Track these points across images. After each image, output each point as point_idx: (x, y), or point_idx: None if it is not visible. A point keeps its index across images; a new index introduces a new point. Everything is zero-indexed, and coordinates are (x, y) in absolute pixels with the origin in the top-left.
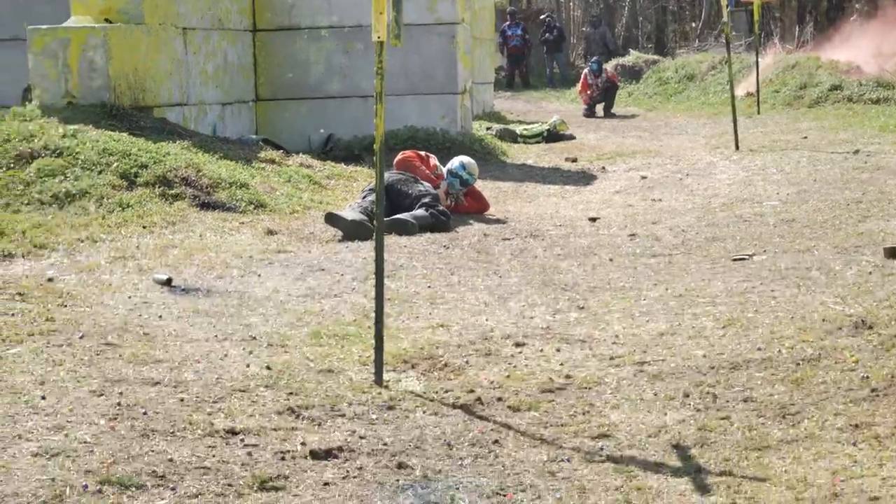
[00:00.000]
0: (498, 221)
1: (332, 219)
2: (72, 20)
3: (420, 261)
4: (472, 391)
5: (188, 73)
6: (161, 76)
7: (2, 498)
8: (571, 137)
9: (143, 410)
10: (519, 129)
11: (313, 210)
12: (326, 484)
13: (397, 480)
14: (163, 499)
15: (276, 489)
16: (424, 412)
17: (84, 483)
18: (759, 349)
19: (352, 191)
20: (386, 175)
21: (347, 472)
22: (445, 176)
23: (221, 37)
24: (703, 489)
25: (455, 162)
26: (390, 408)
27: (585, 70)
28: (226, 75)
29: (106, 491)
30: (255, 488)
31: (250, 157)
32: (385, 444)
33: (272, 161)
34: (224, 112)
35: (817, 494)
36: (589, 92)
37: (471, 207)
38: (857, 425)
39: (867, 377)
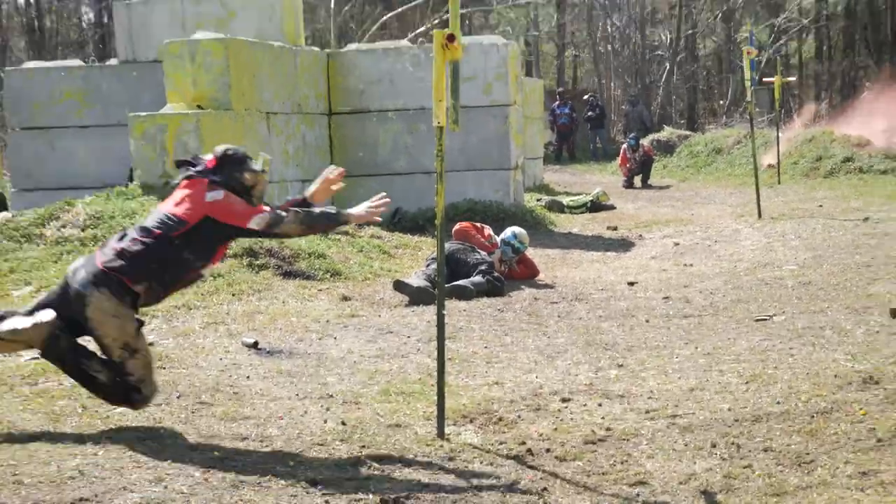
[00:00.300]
0: (546, 286)
1: (399, 286)
2: (168, 107)
3: (477, 323)
4: (523, 443)
5: (271, 153)
6: None
7: None
8: (612, 207)
9: (234, 463)
10: (565, 200)
11: (383, 277)
12: None
13: None
14: None
15: None
16: (481, 462)
17: None
18: (778, 403)
19: (417, 259)
20: (446, 245)
21: None
22: (499, 244)
23: (300, 120)
24: None
25: (508, 232)
26: (451, 459)
27: (624, 145)
28: (304, 155)
29: None
30: None
31: None
32: (446, 492)
33: (346, 233)
34: (304, 188)
35: None
36: (628, 165)
37: (522, 273)
38: (864, 472)
39: (874, 428)
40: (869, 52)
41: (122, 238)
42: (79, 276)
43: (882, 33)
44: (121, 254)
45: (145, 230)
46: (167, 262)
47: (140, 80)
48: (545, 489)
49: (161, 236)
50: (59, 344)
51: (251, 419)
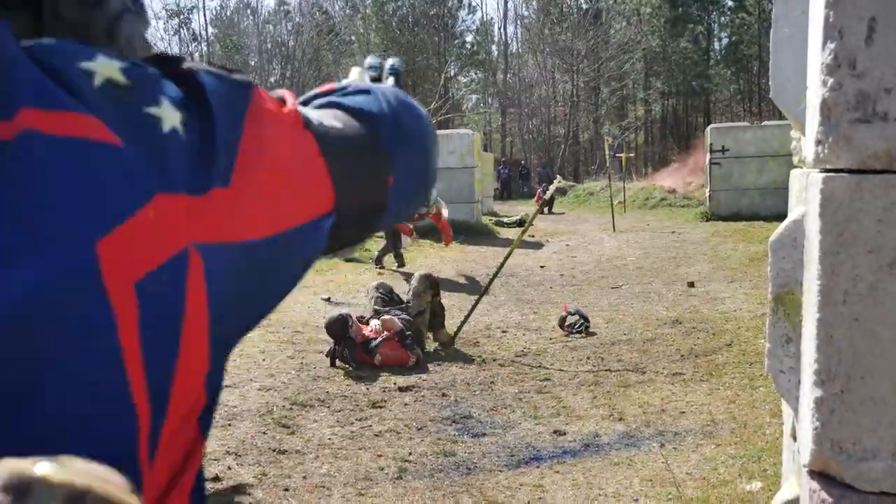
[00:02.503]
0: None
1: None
2: None
3: (456, 293)
4: (480, 355)
5: None
6: None
7: (240, 412)
8: (531, 224)
9: (314, 366)
10: (505, 219)
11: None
12: (406, 404)
13: (442, 402)
14: (322, 412)
15: (381, 407)
16: (457, 367)
17: (283, 404)
18: (624, 334)
19: (424, 254)
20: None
21: (417, 398)
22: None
23: None
24: (606, 406)
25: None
26: (438, 364)
27: (539, 189)
28: None
29: (294, 408)
30: (370, 406)
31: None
32: (436, 383)
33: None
34: None
35: (654, 409)
36: (539, 201)
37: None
38: (674, 374)
39: (678, 349)
40: (674, 141)
41: None
42: None
43: (681, 130)
44: None
45: None
46: None
47: None
48: (492, 382)
49: None
50: None
51: (326, 342)
